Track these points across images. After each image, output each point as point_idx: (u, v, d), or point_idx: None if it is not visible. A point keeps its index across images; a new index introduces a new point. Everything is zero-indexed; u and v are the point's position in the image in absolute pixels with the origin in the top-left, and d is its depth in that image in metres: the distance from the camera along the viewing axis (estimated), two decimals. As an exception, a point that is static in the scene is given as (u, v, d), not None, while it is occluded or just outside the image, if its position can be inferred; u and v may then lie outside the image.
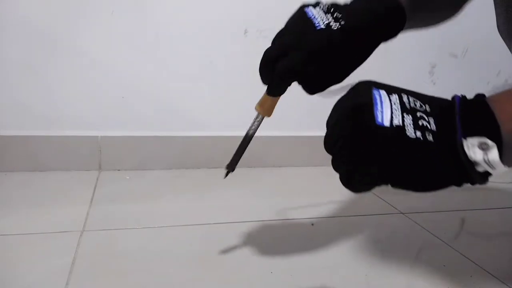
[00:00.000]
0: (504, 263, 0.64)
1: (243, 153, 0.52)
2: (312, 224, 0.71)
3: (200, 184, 0.87)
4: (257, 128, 0.51)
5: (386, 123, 0.33)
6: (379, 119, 0.34)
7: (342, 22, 0.43)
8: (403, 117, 0.34)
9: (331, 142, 0.38)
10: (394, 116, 0.34)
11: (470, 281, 0.57)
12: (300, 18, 0.45)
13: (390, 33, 0.48)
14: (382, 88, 0.36)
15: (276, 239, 0.66)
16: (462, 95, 0.36)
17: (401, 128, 0.33)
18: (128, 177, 0.88)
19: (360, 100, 0.36)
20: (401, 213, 0.78)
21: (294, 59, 0.44)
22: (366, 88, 0.36)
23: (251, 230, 0.67)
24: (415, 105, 0.35)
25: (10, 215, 0.67)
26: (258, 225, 0.69)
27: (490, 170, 0.33)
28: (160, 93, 0.92)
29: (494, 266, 0.61)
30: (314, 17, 0.44)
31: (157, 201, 0.77)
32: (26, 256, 0.56)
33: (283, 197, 0.83)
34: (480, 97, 0.36)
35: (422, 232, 0.71)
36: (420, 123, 0.34)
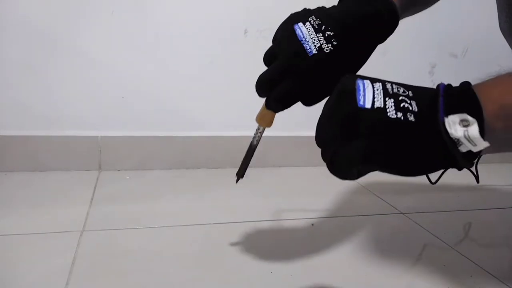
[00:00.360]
0: (504, 263, 0.64)
1: (250, 160, 0.53)
2: (312, 224, 0.71)
3: (200, 184, 0.87)
4: (260, 139, 0.52)
5: (368, 105, 0.35)
6: (361, 102, 0.35)
7: (335, 42, 0.43)
8: (385, 100, 0.35)
9: (320, 132, 0.38)
10: (376, 100, 0.35)
11: (470, 281, 0.57)
12: (290, 39, 0.44)
13: (384, 36, 0.48)
14: (366, 79, 0.37)
15: (276, 239, 0.66)
16: (447, 83, 0.37)
17: (382, 109, 0.34)
18: (128, 177, 0.88)
19: (344, 87, 0.37)
20: (401, 213, 0.78)
21: (289, 87, 0.44)
22: (350, 79, 0.37)
23: (251, 230, 0.67)
24: (398, 90, 0.36)
25: (10, 215, 0.67)
26: (258, 225, 0.69)
27: (471, 147, 0.33)
28: (160, 93, 0.92)
29: (494, 266, 0.61)
30: (305, 39, 0.43)
31: (157, 201, 0.77)
32: (26, 256, 0.56)
33: (283, 197, 0.83)
34: (465, 84, 0.37)
35: (422, 232, 0.71)
36: (401, 105, 0.35)
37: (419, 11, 0.59)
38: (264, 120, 0.50)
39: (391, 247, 0.66)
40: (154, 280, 0.53)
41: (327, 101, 0.39)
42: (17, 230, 0.62)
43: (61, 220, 0.66)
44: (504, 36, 0.62)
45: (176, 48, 0.90)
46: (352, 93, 0.36)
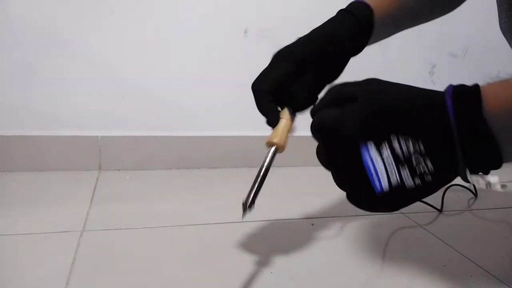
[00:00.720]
0: (504, 263, 0.64)
1: (260, 189, 0.49)
2: (312, 224, 0.71)
3: (200, 184, 0.87)
4: (271, 163, 0.49)
5: (385, 187, 0.34)
6: (379, 189, 0.35)
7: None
8: (399, 171, 0.34)
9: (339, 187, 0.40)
10: (390, 175, 0.34)
11: (470, 281, 0.57)
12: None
13: (356, 51, 0.53)
14: (369, 136, 0.35)
15: (276, 239, 0.66)
16: (454, 104, 0.34)
17: (400, 186, 0.34)
18: (128, 177, 0.88)
19: (354, 175, 0.36)
20: (401, 213, 0.78)
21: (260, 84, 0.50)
22: (354, 150, 0.35)
23: (251, 230, 0.67)
24: (408, 148, 0.34)
25: (10, 215, 0.67)
26: (258, 225, 0.69)
27: (488, 190, 0.35)
28: (160, 93, 0.92)
29: (494, 266, 0.61)
30: None
31: (157, 201, 0.77)
32: (26, 256, 0.56)
33: (283, 197, 0.83)
34: (480, 121, 0.33)
35: (422, 232, 0.71)
36: (417, 170, 0.34)
37: (416, 25, 0.61)
38: (274, 141, 0.48)
39: (391, 247, 0.66)
40: (154, 280, 0.53)
41: (336, 163, 0.38)
42: (17, 230, 0.62)
43: (61, 220, 0.66)
44: (505, 36, 0.62)
45: (176, 48, 0.90)
46: (366, 183, 0.35)
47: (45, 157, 0.86)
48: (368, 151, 0.35)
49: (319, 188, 0.87)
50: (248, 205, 0.46)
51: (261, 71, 0.50)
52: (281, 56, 0.50)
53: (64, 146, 0.87)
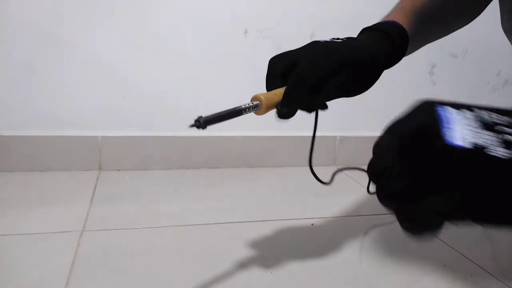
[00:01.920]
0: (504, 263, 0.64)
1: (221, 120, 0.46)
2: (312, 224, 0.71)
3: (200, 184, 0.87)
4: (246, 110, 0.47)
5: (459, 141, 0.27)
6: (448, 138, 0.27)
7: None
8: (481, 134, 0.27)
9: (380, 167, 0.32)
10: (468, 134, 0.27)
11: (470, 281, 0.57)
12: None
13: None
14: (447, 105, 0.30)
15: (276, 239, 0.66)
16: None
17: (481, 147, 0.27)
18: (128, 177, 0.88)
19: (422, 119, 0.30)
20: (401, 213, 0.78)
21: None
22: (427, 107, 0.30)
23: (251, 230, 0.67)
24: (492, 117, 0.28)
25: (10, 215, 0.67)
26: (258, 225, 0.69)
27: None
28: (160, 93, 0.92)
29: (494, 266, 0.61)
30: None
31: (157, 201, 0.77)
32: (26, 256, 0.56)
33: (283, 197, 0.83)
34: None
35: (422, 232, 0.71)
36: (505, 137, 0.27)
37: (441, 36, 0.61)
38: (267, 98, 0.46)
39: (391, 247, 0.66)
40: (154, 280, 0.53)
41: (393, 125, 0.32)
42: (17, 230, 0.62)
43: (61, 220, 0.66)
44: (507, 36, 0.62)
45: (176, 48, 0.90)
46: (435, 127, 0.28)
47: (45, 157, 0.86)
48: (443, 107, 0.29)
49: (319, 188, 0.87)
50: (202, 122, 0.43)
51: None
52: (315, 46, 0.48)
53: (64, 146, 0.87)
